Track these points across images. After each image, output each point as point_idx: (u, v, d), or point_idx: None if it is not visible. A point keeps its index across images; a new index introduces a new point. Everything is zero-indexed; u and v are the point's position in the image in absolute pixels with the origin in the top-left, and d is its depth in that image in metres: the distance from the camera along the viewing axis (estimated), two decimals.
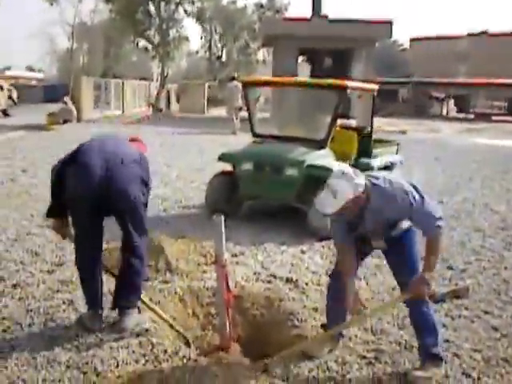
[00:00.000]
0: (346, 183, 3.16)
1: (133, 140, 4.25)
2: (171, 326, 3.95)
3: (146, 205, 3.86)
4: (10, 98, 24.83)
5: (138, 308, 3.95)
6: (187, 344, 3.86)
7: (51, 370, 3.30)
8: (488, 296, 4.98)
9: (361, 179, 3.23)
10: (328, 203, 3.19)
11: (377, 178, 3.37)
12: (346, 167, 3.34)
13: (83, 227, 3.71)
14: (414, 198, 3.31)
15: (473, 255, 6.19)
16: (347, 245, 3.55)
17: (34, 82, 50.57)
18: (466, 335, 4.13)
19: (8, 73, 55.94)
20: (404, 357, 3.74)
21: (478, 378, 3.51)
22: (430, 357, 3.51)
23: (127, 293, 3.81)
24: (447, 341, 4.00)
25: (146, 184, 3.82)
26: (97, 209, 3.66)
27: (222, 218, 3.75)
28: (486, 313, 4.59)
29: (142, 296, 3.92)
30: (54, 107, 20.62)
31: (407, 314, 4.37)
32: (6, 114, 23.11)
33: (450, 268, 5.73)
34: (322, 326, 4.01)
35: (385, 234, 3.53)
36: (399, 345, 3.92)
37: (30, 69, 65.54)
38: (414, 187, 3.40)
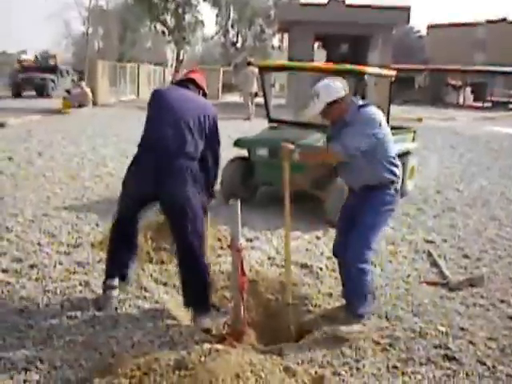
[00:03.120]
0: (326, 89, 3.61)
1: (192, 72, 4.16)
2: None
3: (199, 207, 3.82)
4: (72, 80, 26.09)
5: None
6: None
7: (68, 350, 3.33)
8: (503, 285, 4.94)
9: (342, 90, 3.63)
10: (312, 106, 3.64)
11: (366, 104, 3.70)
12: (334, 79, 3.73)
13: (127, 206, 3.85)
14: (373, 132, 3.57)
15: (488, 244, 6.15)
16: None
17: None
18: (482, 323, 4.11)
19: (23, 57, 56.11)
20: (418, 344, 3.72)
21: (493, 367, 3.49)
22: (354, 314, 3.73)
23: (195, 300, 3.89)
24: (462, 329, 3.98)
25: (198, 184, 3.81)
26: (146, 201, 3.84)
27: (239, 202, 3.74)
28: (502, 301, 4.55)
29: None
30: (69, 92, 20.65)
31: (422, 302, 4.42)
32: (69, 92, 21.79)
33: (465, 256, 5.70)
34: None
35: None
36: (414, 332, 3.90)
37: (45, 53, 65.64)
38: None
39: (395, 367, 3.41)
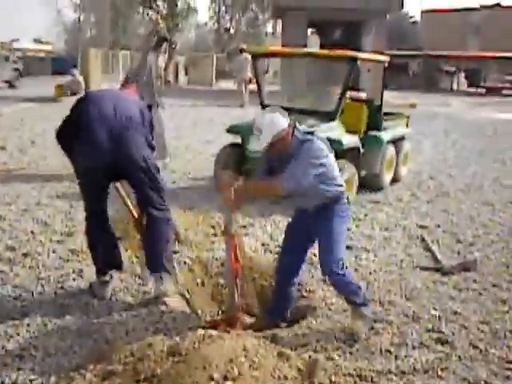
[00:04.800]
0: (270, 125, 3.35)
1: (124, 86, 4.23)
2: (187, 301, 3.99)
3: (157, 167, 3.85)
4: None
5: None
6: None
7: (62, 338, 3.34)
8: (496, 269, 4.97)
9: (284, 123, 3.39)
10: (256, 142, 3.39)
11: (309, 134, 3.53)
12: (275, 111, 3.48)
13: (91, 193, 3.76)
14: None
15: (481, 229, 6.18)
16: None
17: (42, 54, 50.31)
18: (474, 307, 4.14)
19: (16, 45, 55.61)
20: (411, 328, 3.75)
21: (486, 350, 3.52)
22: (357, 305, 3.69)
23: (156, 258, 3.87)
24: (455, 313, 4.01)
25: (151, 145, 3.79)
26: (107, 177, 3.69)
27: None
28: (494, 286, 4.59)
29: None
30: (62, 79, 20.53)
31: (415, 287, 4.44)
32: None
33: (458, 241, 5.73)
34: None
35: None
36: (407, 316, 3.93)
37: (39, 41, 65.07)
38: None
39: (388, 351, 3.43)
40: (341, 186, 3.64)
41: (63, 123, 3.77)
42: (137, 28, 51.26)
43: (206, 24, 51.06)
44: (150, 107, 7.86)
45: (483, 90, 36.72)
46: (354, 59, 6.66)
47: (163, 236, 3.90)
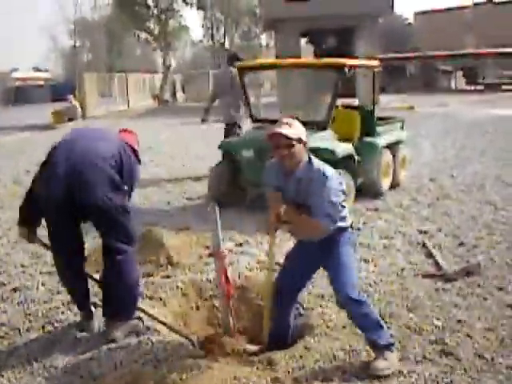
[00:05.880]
0: (299, 125, 3.23)
1: (124, 131, 3.97)
2: (174, 330, 3.79)
3: (125, 209, 3.54)
4: None
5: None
6: (192, 345, 3.68)
7: (48, 376, 3.20)
8: (501, 271, 4.81)
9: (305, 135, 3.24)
10: (283, 128, 3.16)
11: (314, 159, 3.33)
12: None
13: (55, 233, 3.53)
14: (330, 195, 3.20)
15: (484, 230, 6.02)
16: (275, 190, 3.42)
17: (41, 82, 50.72)
18: (479, 314, 3.97)
19: (15, 74, 56.12)
20: (414, 341, 3.59)
21: (492, 359, 3.35)
22: (380, 347, 3.32)
23: (116, 306, 3.61)
24: (459, 321, 3.85)
25: (117, 187, 3.48)
26: (69, 215, 3.44)
27: (217, 207, 3.62)
28: (500, 289, 4.43)
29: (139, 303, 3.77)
30: (59, 106, 20.59)
31: (417, 297, 4.29)
32: None
33: (461, 244, 5.57)
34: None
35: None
36: (409, 328, 3.78)
37: (37, 69, 65.63)
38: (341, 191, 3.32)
39: None
40: (345, 213, 3.41)
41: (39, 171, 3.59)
42: (132, 50, 51.65)
43: (201, 41, 51.26)
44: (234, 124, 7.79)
45: (482, 87, 36.60)
46: (342, 66, 6.54)
47: (123, 278, 3.55)
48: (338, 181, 3.28)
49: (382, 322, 3.40)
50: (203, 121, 8.89)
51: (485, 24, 45.76)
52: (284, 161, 3.22)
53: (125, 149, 3.67)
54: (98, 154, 3.45)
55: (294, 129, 3.17)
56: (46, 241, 3.66)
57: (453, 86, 38.47)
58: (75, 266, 3.64)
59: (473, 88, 36.69)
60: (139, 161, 3.82)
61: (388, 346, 3.33)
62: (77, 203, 3.37)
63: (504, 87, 35.13)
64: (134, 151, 3.81)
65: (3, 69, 55.07)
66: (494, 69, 40.53)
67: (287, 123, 3.20)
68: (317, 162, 3.27)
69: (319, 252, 3.41)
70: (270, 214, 3.41)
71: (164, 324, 3.77)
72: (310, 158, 3.27)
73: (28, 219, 3.65)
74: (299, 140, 3.17)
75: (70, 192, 3.34)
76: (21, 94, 40.49)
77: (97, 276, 3.81)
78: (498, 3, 49.13)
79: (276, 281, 3.58)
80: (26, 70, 61.14)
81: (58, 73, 60.63)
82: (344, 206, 3.37)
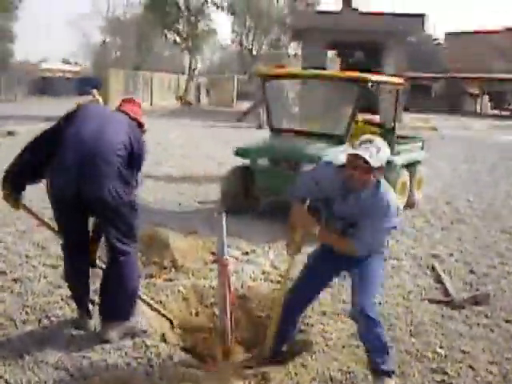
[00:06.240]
0: (385, 151, 3.05)
1: (127, 102, 3.80)
2: (153, 308, 3.80)
3: (132, 206, 3.48)
4: None
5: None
6: (171, 325, 3.76)
7: (38, 371, 3.15)
8: (510, 303, 4.67)
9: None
10: (371, 155, 2.96)
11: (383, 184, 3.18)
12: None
13: (64, 227, 3.51)
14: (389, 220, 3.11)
15: (497, 258, 5.88)
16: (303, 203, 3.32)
17: (69, 75, 51.19)
18: (484, 345, 3.85)
19: (44, 65, 56.76)
20: (414, 368, 3.49)
21: None
22: (381, 373, 3.20)
23: (113, 307, 3.55)
24: (463, 351, 3.74)
25: (126, 181, 3.41)
26: (77, 209, 3.39)
27: (224, 215, 3.56)
28: (507, 321, 4.29)
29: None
30: (84, 99, 20.73)
31: (421, 322, 4.18)
32: None
33: (471, 272, 5.44)
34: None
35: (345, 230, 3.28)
36: (410, 354, 3.67)
37: (66, 62, 66.29)
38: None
39: None
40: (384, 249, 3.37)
41: (43, 133, 3.51)
42: (161, 50, 51.97)
43: (231, 45, 51.40)
44: None
45: (507, 113, 36.20)
46: (365, 81, 6.47)
47: (123, 279, 3.50)
48: (397, 219, 3.15)
49: (389, 347, 3.29)
50: (238, 120, 8.80)
51: None
52: (355, 181, 3.08)
53: (133, 129, 3.57)
54: (108, 146, 3.36)
55: (380, 154, 3.00)
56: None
57: (478, 109, 38.06)
58: (79, 262, 3.60)
59: (498, 113, 36.26)
60: (144, 131, 3.73)
61: (389, 373, 3.22)
62: (83, 196, 3.30)
63: None
64: (140, 124, 3.73)
65: (32, 60, 55.96)
66: None
67: (375, 146, 3.01)
68: (385, 189, 3.13)
69: (346, 259, 3.28)
70: (293, 234, 3.30)
71: (143, 301, 3.80)
72: (379, 182, 3.12)
73: (12, 182, 3.53)
74: (380, 168, 3.04)
75: (78, 185, 3.28)
76: (48, 86, 40.83)
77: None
78: None
79: (290, 292, 3.48)
80: (54, 62, 61.77)
81: (86, 67, 61.13)
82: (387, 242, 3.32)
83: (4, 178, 3.53)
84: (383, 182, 3.17)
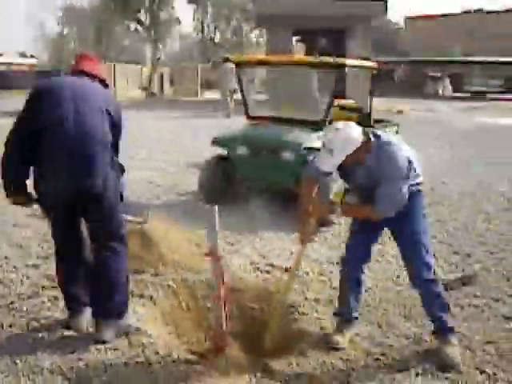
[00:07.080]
0: (342, 145, 3.08)
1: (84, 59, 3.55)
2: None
3: (120, 195, 3.42)
4: None
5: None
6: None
7: (33, 377, 3.04)
8: (497, 282, 4.73)
9: (359, 138, 3.12)
10: (326, 161, 3.13)
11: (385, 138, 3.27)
12: (341, 124, 3.20)
13: (59, 229, 3.41)
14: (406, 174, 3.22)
15: (478, 238, 5.95)
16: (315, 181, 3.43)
17: (25, 68, 49.89)
18: (477, 326, 3.88)
19: (0, 59, 55.16)
20: (412, 351, 3.50)
21: (494, 374, 3.26)
22: (448, 330, 3.41)
23: (106, 305, 3.44)
24: (458, 333, 3.76)
25: (113, 166, 3.33)
26: (72, 210, 3.32)
27: (216, 208, 3.48)
28: (497, 300, 4.34)
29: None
30: None
31: (413, 304, 4.18)
32: None
33: (455, 253, 5.49)
34: (335, 314, 3.78)
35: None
36: (407, 338, 3.68)
37: (23, 55, 64.61)
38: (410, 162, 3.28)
39: (390, 380, 3.16)
40: (420, 176, 3.42)
41: (18, 124, 3.30)
42: (121, 41, 51.06)
43: (192, 34, 50.88)
44: None
45: (468, 95, 36.86)
46: (342, 66, 6.43)
47: (114, 276, 3.43)
48: (405, 164, 3.20)
49: (449, 304, 3.48)
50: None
51: (474, 32, 46.12)
52: (349, 165, 3.22)
53: (109, 99, 3.45)
54: (93, 133, 3.21)
55: (335, 155, 3.07)
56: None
57: (440, 92, 38.60)
58: (72, 261, 3.50)
59: (459, 95, 36.87)
60: (107, 85, 3.58)
61: (453, 329, 3.41)
62: (78, 190, 3.19)
63: (489, 96, 35.41)
64: (105, 83, 3.56)
65: None
66: (480, 77, 40.85)
67: (326, 148, 3.11)
68: (384, 144, 3.19)
69: (389, 220, 3.33)
70: (306, 222, 3.34)
71: None
72: (379, 139, 3.19)
73: (19, 188, 3.36)
74: (366, 143, 3.14)
75: (73, 182, 3.17)
76: (3, 80, 39.71)
77: None
78: (488, 12, 49.55)
79: (346, 243, 3.66)
80: (10, 56, 60.12)
81: (44, 60, 59.68)
82: (415, 168, 3.34)
83: (8, 190, 3.37)
84: (383, 136, 3.24)
